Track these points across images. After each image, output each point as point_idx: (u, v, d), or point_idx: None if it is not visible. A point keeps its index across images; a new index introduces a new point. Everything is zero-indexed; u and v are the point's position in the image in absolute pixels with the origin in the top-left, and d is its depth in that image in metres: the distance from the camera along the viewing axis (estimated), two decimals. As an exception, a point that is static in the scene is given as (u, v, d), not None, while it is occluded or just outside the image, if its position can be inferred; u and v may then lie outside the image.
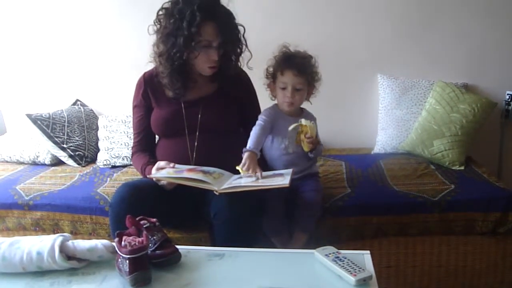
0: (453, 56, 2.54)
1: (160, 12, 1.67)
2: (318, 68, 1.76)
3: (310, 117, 1.81)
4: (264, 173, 1.62)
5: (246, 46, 1.73)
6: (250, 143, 1.63)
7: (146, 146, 1.86)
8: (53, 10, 2.74)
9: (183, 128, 1.75)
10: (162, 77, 1.71)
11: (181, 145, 1.74)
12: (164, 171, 1.61)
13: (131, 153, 1.92)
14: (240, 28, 1.70)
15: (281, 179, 1.52)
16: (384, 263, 1.90)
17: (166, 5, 1.66)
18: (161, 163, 1.64)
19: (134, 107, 1.86)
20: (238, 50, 1.72)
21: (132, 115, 1.89)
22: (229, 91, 1.78)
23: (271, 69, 1.77)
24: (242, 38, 1.71)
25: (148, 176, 1.66)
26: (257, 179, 1.54)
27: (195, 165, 1.71)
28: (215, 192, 1.47)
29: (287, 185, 1.46)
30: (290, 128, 1.69)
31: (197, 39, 1.60)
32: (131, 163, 1.98)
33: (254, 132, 1.68)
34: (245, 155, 1.59)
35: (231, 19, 1.67)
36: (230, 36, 1.65)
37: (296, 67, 1.69)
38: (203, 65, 1.68)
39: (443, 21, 2.51)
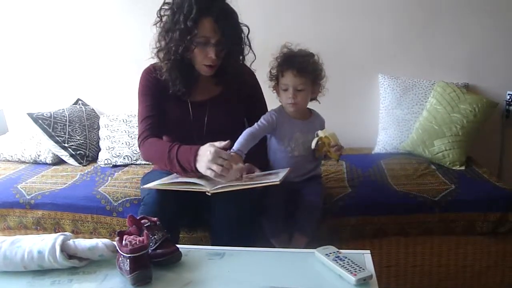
0: (454, 56, 2.54)
1: (162, 7, 1.64)
2: (322, 65, 1.73)
3: (319, 119, 1.80)
4: (260, 173, 1.63)
5: (250, 47, 1.69)
6: (236, 145, 1.60)
7: (160, 133, 1.74)
8: (54, 9, 2.74)
9: (190, 129, 1.74)
10: (163, 72, 1.68)
11: None
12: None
13: (139, 141, 1.72)
14: (244, 28, 1.66)
15: (274, 177, 1.51)
16: (384, 263, 1.91)
17: (168, 0, 1.64)
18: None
19: (143, 93, 1.74)
20: (240, 50, 1.67)
21: (139, 103, 1.76)
22: (235, 91, 1.76)
23: (274, 71, 1.74)
24: (245, 38, 1.67)
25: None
26: (252, 178, 1.53)
27: None
28: (207, 193, 1.44)
29: (278, 183, 1.43)
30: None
31: (193, 33, 1.56)
32: (141, 150, 1.73)
33: (243, 135, 1.64)
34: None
35: (231, 17, 1.61)
36: (228, 34, 1.60)
37: (296, 67, 1.66)
38: (201, 63, 1.64)
39: (444, 21, 2.51)
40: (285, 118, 1.75)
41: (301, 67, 1.66)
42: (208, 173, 1.47)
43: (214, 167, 1.44)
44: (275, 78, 1.74)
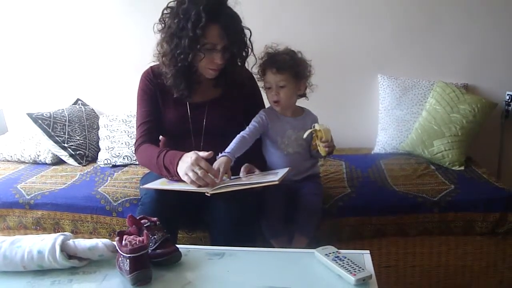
0: (454, 57, 2.55)
1: (165, 11, 1.63)
2: (307, 62, 1.72)
3: (311, 117, 1.81)
4: (259, 173, 1.63)
5: (252, 50, 1.70)
6: (228, 148, 1.60)
7: (155, 139, 1.78)
8: (54, 10, 2.74)
9: (188, 131, 1.74)
10: (167, 78, 1.67)
11: (186, 147, 1.69)
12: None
13: (135, 147, 1.77)
14: (246, 31, 1.66)
15: (273, 176, 1.51)
16: (383, 263, 1.91)
17: (172, 4, 1.62)
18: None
19: (141, 98, 1.77)
20: (244, 54, 1.68)
21: (137, 108, 1.78)
22: (234, 92, 1.76)
23: (260, 71, 1.76)
24: (248, 42, 1.68)
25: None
26: (251, 178, 1.53)
27: None
28: (206, 194, 1.45)
29: (276, 182, 1.43)
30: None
31: (202, 42, 1.57)
32: (136, 156, 1.80)
33: (235, 139, 1.64)
34: (218, 160, 1.55)
35: (236, 22, 1.62)
36: (235, 40, 1.61)
37: (275, 65, 1.67)
38: (206, 67, 1.65)
39: (444, 22, 2.52)
40: (275, 116, 1.76)
41: (279, 64, 1.68)
42: (185, 178, 1.51)
43: (190, 174, 1.49)
44: (261, 78, 1.76)
